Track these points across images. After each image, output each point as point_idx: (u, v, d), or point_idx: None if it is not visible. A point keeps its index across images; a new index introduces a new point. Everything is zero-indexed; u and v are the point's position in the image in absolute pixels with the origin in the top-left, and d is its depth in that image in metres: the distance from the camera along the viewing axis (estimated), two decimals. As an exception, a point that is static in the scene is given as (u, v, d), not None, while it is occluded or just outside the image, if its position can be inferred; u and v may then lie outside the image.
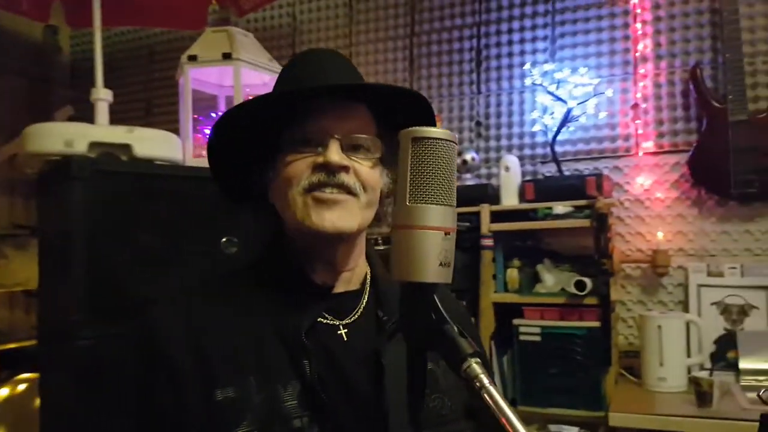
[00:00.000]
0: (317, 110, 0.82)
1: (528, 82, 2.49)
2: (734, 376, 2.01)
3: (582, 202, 2.08)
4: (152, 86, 3.29)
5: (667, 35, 2.34)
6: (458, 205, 0.61)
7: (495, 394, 0.52)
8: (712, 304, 2.17)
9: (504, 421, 0.50)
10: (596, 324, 1.99)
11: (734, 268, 2.17)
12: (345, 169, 0.80)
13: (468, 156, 2.42)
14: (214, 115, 2.35)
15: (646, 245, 2.31)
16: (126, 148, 1.61)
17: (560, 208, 2.10)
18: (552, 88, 2.37)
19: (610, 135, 2.41)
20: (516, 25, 2.60)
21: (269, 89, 2.32)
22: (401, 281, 0.58)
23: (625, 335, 2.33)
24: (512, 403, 2.03)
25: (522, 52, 2.57)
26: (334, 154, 0.79)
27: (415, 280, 0.56)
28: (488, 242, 2.15)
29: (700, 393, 1.75)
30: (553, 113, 2.39)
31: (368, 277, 0.90)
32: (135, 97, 3.28)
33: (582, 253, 2.22)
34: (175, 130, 1.88)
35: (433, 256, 0.56)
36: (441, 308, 0.58)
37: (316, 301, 0.83)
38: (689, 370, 2.01)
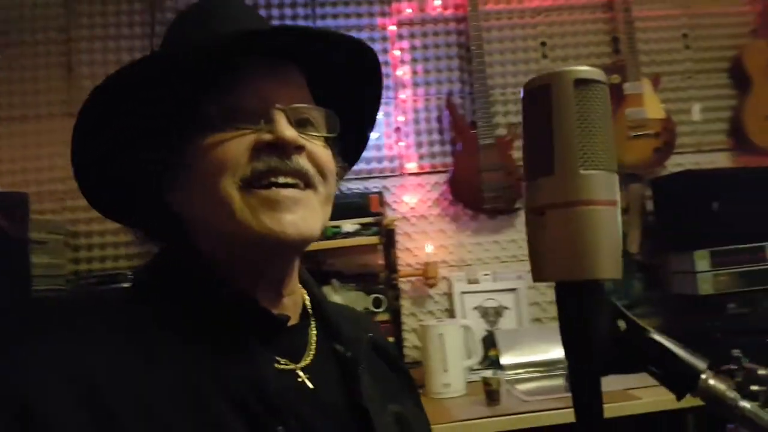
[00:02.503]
0: (251, 72, 0.61)
1: (298, 99, 2.42)
2: (497, 372, 2.24)
3: (368, 220, 2.10)
4: None
5: (422, 64, 2.54)
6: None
7: (760, 413, 0.42)
8: (474, 308, 2.40)
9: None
10: (391, 339, 2.02)
11: (487, 274, 2.44)
12: (300, 149, 0.60)
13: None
14: None
15: (415, 259, 2.45)
16: None
17: (348, 226, 2.08)
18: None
19: (378, 156, 2.49)
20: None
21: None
22: (565, 281, 0.44)
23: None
24: None
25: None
26: (287, 128, 0.59)
27: (594, 278, 0.43)
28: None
29: (490, 392, 1.90)
30: (326, 132, 2.37)
31: (307, 302, 0.72)
32: None
33: (363, 270, 2.24)
34: None
35: (617, 241, 0.43)
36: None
37: (265, 339, 0.61)
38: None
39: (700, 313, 2.13)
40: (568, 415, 1.76)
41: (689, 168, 2.50)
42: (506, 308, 2.42)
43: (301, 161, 0.60)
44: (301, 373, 0.63)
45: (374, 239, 2.05)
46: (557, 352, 2.18)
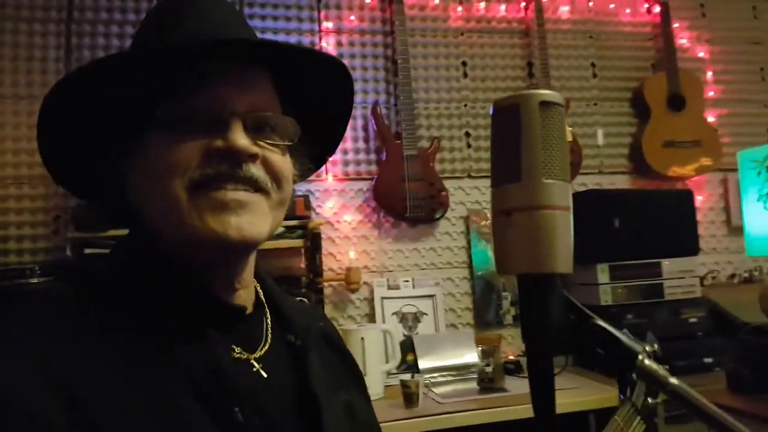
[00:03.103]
0: (210, 75, 0.61)
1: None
2: (415, 375, 2.30)
3: (293, 222, 2.10)
4: None
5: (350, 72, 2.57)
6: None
7: (686, 387, 0.49)
8: (393, 314, 2.45)
9: (705, 410, 0.48)
10: (312, 343, 2.02)
11: (407, 281, 2.50)
12: (253, 158, 0.61)
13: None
14: None
15: (337, 264, 2.47)
16: None
17: (274, 228, 2.07)
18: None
19: (303, 159, 2.50)
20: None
21: None
22: (526, 274, 0.50)
23: (319, 352, 2.42)
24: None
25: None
26: (241, 137, 0.60)
27: (551, 271, 0.49)
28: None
29: (409, 395, 1.95)
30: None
31: (260, 294, 0.73)
32: None
33: (285, 273, 2.23)
34: None
35: (570, 241, 0.50)
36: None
37: (224, 328, 0.63)
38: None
39: (601, 322, 2.29)
40: (481, 416, 1.85)
41: (592, 188, 2.70)
42: (424, 314, 2.49)
43: (253, 169, 0.61)
44: (255, 363, 0.65)
45: (299, 242, 2.05)
46: (470, 357, 2.27)
